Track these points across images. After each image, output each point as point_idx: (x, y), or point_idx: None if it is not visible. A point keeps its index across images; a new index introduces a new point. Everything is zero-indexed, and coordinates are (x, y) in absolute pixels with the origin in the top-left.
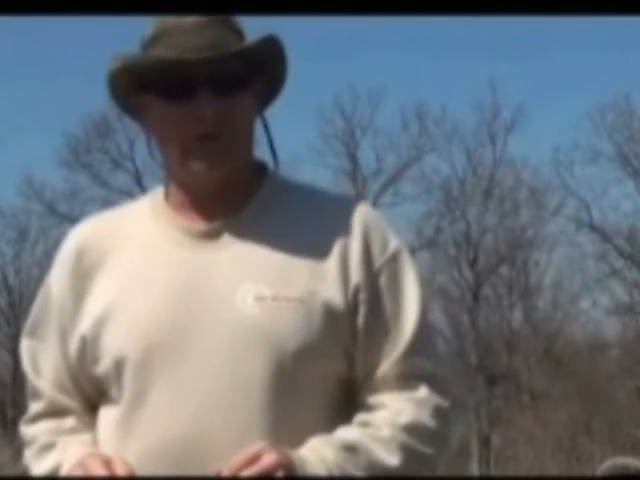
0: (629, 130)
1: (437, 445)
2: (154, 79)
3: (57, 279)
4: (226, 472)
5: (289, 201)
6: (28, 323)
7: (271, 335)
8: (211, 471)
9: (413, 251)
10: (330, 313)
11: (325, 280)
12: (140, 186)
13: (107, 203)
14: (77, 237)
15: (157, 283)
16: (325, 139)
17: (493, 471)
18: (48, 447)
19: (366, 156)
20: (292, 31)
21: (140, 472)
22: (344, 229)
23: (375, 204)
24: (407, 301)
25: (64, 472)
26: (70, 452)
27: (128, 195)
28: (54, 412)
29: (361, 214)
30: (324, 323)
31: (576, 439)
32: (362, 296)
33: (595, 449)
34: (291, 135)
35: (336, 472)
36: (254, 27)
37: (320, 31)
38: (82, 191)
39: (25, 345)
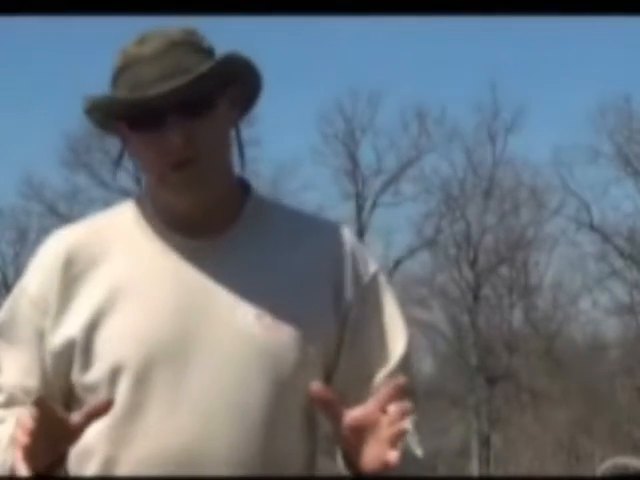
0: (629, 130)
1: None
2: (122, 114)
3: (38, 282)
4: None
5: (273, 221)
6: None
7: (271, 353)
8: None
9: (413, 251)
10: (324, 333)
11: (318, 299)
12: (140, 186)
13: (107, 203)
14: (62, 245)
15: (154, 293)
16: (325, 139)
17: (493, 471)
18: None
19: (366, 156)
20: (292, 31)
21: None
22: (333, 249)
23: (375, 204)
24: (394, 319)
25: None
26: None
27: (128, 195)
28: (9, 405)
29: (345, 236)
30: (319, 342)
31: (576, 439)
32: (352, 315)
33: (595, 449)
34: (291, 135)
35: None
36: (256, 27)
37: (320, 31)
38: (82, 191)
39: None
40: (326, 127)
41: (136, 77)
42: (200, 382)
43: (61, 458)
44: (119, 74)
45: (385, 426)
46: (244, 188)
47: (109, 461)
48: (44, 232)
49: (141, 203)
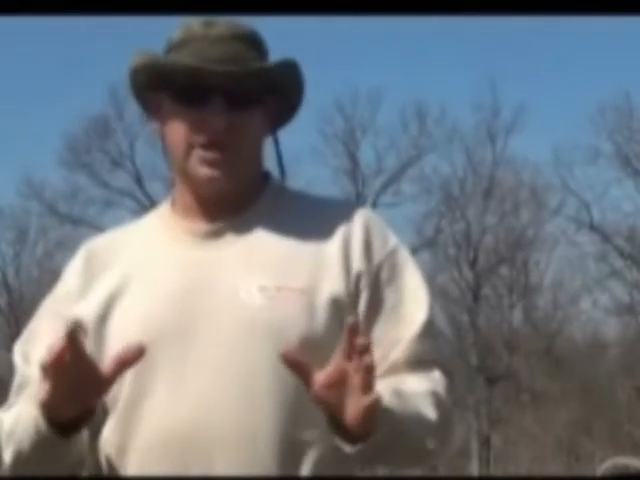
0: (629, 130)
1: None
2: (171, 82)
3: (64, 282)
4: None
5: (291, 203)
6: (24, 331)
7: (275, 324)
8: (217, 461)
9: (413, 251)
10: (333, 303)
11: (327, 271)
12: (140, 186)
13: (107, 203)
14: (86, 247)
15: (161, 279)
16: (325, 139)
17: (493, 471)
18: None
19: (366, 156)
20: (292, 31)
21: (144, 463)
22: (345, 225)
23: (375, 204)
24: (414, 288)
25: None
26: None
27: (128, 195)
28: None
29: (361, 213)
30: (327, 313)
31: (576, 439)
32: (363, 284)
33: (595, 449)
34: (291, 135)
35: (385, 417)
36: (262, 28)
37: (320, 31)
38: (82, 191)
39: (18, 345)
40: (326, 127)
41: (198, 52)
42: (203, 360)
43: (88, 412)
44: (180, 46)
45: (353, 373)
46: (265, 178)
47: (121, 443)
48: (44, 232)
49: (163, 205)
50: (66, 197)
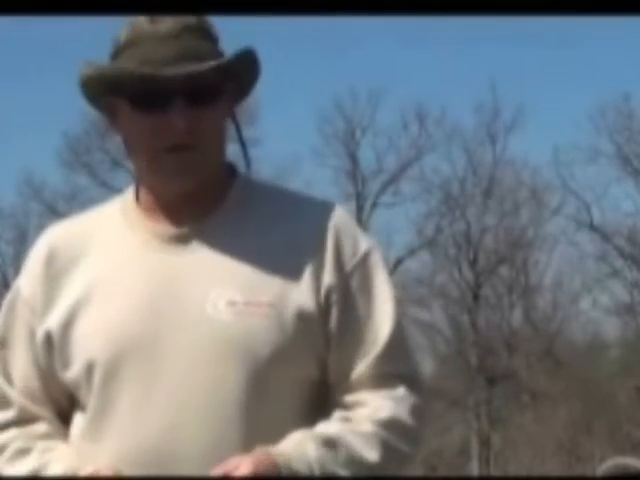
0: (629, 130)
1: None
2: (125, 88)
3: (26, 283)
4: None
5: (259, 204)
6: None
7: (243, 340)
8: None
9: (413, 251)
10: (302, 317)
11: (297, 284)
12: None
13: None
14: (47, 241)
15: (127, 287)
16: (325, 139)
17: (493, 471)
18: (23, 452)
19: (366, 156)
20: (292, 31)
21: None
22: (315, 232)
23: (375, 204)
24: (381, 302)
25: (50, 472)
26: (56, 453)
27: None
28: (25, 420)
29: (332, 217)
30: (296, 327)
31: (576, 439)
32: (334, 298)
33: (595, 449)
34: (291, 135)
35: (317, 468)
36: (256, 27)
37: (320, 30)
38: (82, 191)
39: None
40: (326, 127)
41: (149, 53)
42: (169, 375)
43: None
44: (127, 47)
45: None
46: (232, 172)
47: (84, 458)
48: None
49: (127, 197)
50: (66, 197)
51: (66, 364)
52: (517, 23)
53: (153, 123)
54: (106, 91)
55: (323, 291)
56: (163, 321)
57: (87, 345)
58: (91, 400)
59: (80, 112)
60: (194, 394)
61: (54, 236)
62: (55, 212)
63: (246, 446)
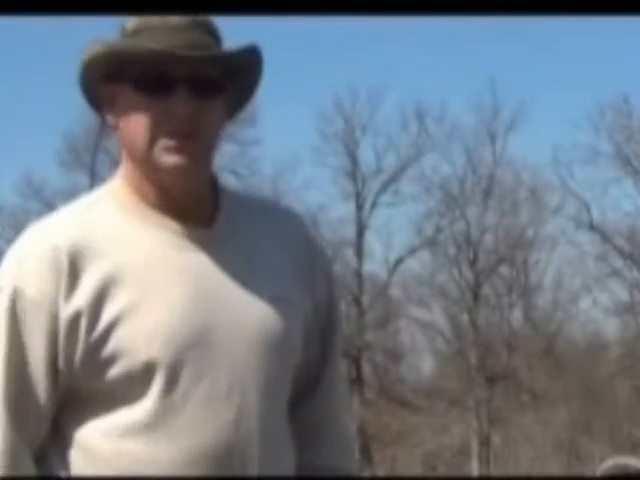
0: (629, 130)
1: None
2: (133, 71)
3: (39, 284)
4: None
5: (247, 210)
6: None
7: (284, 334)
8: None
9: (413, 251)
10: (306, 314)
11: (300, 285)
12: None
13: None
14: (47, 241)
15: (170, 288)
16: (325, 139)
17: (493, 471)
18: None
19: (366, 156)
20: (292, 30)
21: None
22: (302, 240)
23: (375, 204)
24: (339, 311)
25: None
26: None
27: None
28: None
29: (306, 225)
30: (305, 322)
31: (576, 439)
32: (322, 302)
33: (595, 449)
34: (291, 135)
35: None
36: (256, 27)
37: (320, 30)
38: (82, 191)
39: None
40: (326, 126)
41: (161, 40)
42: (227, 371)
43: None
44: (136, 34)
45: None
46: (213, 179)
47: (146, 460)
48: None
49: (120, 191)
50: (66, 197)
51: (112, 360)
52: (517, 22)
53: (156, 108)
54: (110, 72)
55: (316, 295)
56: (212, 319)
57: (138, 347)
58: (151, 399)
59: (80, 112)
60: (251, 386)
61: (61, 238)
62: (54, 212)
63: (285, 433)
